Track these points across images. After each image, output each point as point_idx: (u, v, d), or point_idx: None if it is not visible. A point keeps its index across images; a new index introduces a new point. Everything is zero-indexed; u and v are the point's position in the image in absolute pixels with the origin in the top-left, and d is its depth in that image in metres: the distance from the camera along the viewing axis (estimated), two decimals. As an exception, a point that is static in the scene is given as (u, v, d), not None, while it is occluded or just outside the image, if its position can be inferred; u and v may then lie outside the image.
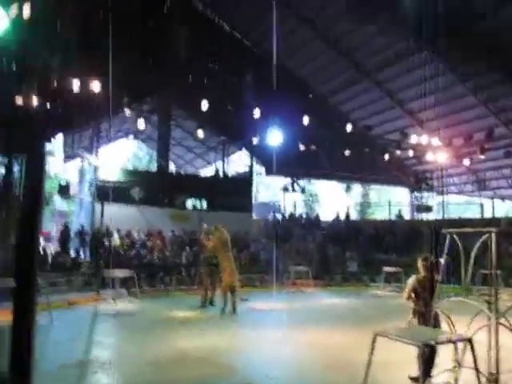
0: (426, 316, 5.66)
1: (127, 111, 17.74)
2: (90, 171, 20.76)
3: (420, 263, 6.00)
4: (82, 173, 22.49)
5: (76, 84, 12.07)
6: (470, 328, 5.42)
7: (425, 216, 25.42)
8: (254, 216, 24.62)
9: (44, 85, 3.47)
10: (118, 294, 11.88)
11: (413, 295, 5.92)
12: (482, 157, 19.91)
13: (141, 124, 18.74)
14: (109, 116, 17.77)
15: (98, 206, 17.61)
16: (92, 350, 7.37)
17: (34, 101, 3.45)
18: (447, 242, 5.46)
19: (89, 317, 10.50)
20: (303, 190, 27.37)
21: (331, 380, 5.85)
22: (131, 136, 28.45)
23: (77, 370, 6.24)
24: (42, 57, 3.47)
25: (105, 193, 16.95)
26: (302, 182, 26.33)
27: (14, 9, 6.48)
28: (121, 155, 33.56)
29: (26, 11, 7.38)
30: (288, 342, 8.23)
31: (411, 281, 6.01)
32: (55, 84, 3.51)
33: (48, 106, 3.43)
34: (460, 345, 4.95)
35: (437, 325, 5.57)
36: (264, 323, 9.45)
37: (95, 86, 12.63)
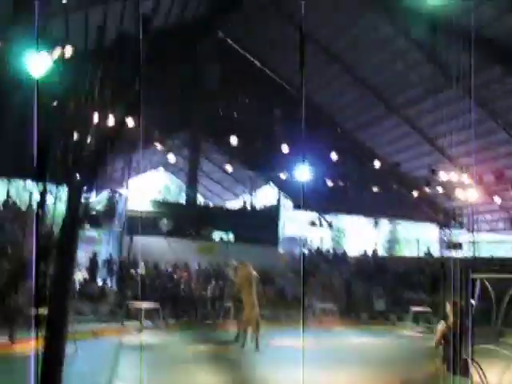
0: (456, 363, 5.48)
1: (158, 145, 18.19)
2: (120, 202, 21.18)
3: (449, 308, 5.85)
4: (113, 203, 22.94)
5: (112, 120, 12.50)
6: (504, 378, 5.22)
7: (454, 254, 24.78)
8: (281, 250, 24.51)
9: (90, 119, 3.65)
10: (143, 326, 11.90)
11: (442, 341, 5.75)
12: (514, 194, 19.50)
13: (171, 157, 19.17)
14: (139, 149, 18.24)
15: (126, 237, 17.89)
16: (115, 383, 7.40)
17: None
18: (478, 286, 5.33)
19: (113, 348, 10.58)
20: (330, 225, 27.19)
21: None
22: (161, 168, 29.00)
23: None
24: (84, 95, 3.67)
25: (134, 223, 17.25)
26: (329, 217, 26.17)
27: (56, 50, 6.86)
28: (152, 187, 34.17)
29: (68, 52, 7.79)
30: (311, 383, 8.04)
31: (440, 327, 5.86)
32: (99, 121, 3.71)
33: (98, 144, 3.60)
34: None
35: (466, 373, 5.38)
36: (287, 363, 9.26)
37: (129, 122, 13.04)
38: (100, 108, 3.63)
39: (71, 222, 3.34)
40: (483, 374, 5.26)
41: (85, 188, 3.48)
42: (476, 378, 5.29)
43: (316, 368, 9.42)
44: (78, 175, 3.40)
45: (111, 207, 22.59)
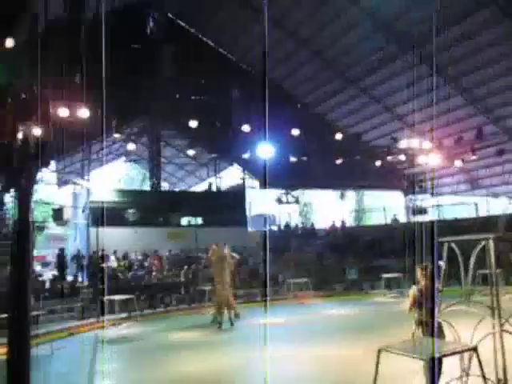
0: (430, 326, 5.63)
1: (116, 134, 17.73)
2: (83, 195, 20.70)
3: (419, 272, 5.97)
4: (75, 197, 22.43)
5: (64, 111, 12.07)
6: (475, 335, 5.41)
7: (420, 218, 25.46)
8: (250, 229, 24.57)
9: (31, 112, 3.46)
10: (118, 319, 11.74)
11: (415, 306, 5.88)
12: (474, 156, 20.05)
13: (131, 145, 18.73)
14: (98, 140, 17.74)
15: (93, 230, 17.52)
16: (95, 381, 7.28)
17: (21, 129, 3.43)
18: (445, 249, 5.45)
19: (90, 345, 10.42)
20: (297, 201, 27.38)
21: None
22: (122, 158, 28.37)
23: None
24: (28, 84, 3.47)
25: (99, 215, 16.91)
26: (295, 193, 26.34)
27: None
28: (113, 177, 33.51)
29: (10, 42, 7.39)
30: (291, 358, 8.16)
31: (412, 291, 5.98)
32: (43, 111, 3.49)
33: (39, 133, 3.41)
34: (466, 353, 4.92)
35: (441, 334, 5.53)
36: (266, 339, 9.36)
37: (83, 113, 12.63)
38: (41, 101, 3.41)
39: (23, 225, 3.18)
40: (456, 333, 5.42)
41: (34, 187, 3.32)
42: (450, 337, 5.45)
43: (293, 342, 9.57)
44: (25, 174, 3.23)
45: (74, 200, 22.11)
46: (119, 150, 25.74)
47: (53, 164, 20.45)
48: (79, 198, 21.67)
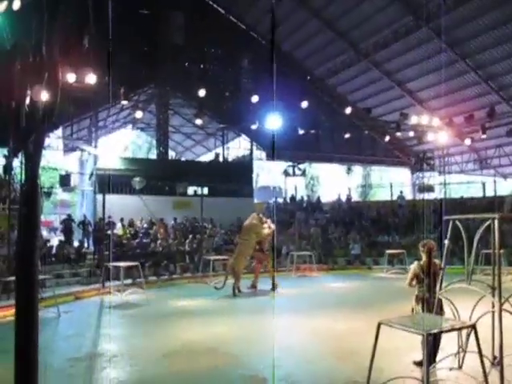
0: (430, 302, 5.68)
1: (124, 101, 17.63)
2: (89, 162, 20.76)
3: (421, 249, 5.99)
4: (82, 164, 22.50)
5: (71, 76, 11.98)
6: (474, 313, 5.47)
7: (427, 196, 25.40)
8: (256, 200, 24.64)
9: (39, 74, 3.42)
10: (123, 285, 11.93)
11: (415, 281, 5.92)
12: (484, 135, 19.79)
13: (139, 113, 18.63)
14: (106, 107, 17.66)
15: (99, 197, 17.64)
16: (100, 344, 7.47)
17: (29, 93, 3.40)
18: (450, 227, 5.46)
19: (95, 309, 10.66)
20: (304, 173, 27.32)
21: (337, 368, 5.91)
22: (130, 126, 28.28)
23: (86, 364, 6.33)
24: (36, 46, 3.43)
25: (106, 183, 16.99)
26: (302, 166, 26.26)
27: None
28: (120, 145, 33.50)
29: (16, 4, 7.28)
30: (293, 329, 8.30)
31: (413, 267, 6.01)
32: (52, 74, 3.45)
33: (46, 98, 3.39)
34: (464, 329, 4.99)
35: (440, 311, 5.60)
36: (268, 310, 9.52)
37: (90, 78, 12.54)
38: (49, 65, 3.37)
39: (31, 187, 3.20)
40: (456, 310, 5.48)
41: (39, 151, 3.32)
42: (449, 314, 5.51)
43: (295, 313, 9.72)
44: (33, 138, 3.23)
45: (81, 167, 22.20)
46: (127, 118, 25.65)
47: (60, 130, 20.44)
48: (86, 165, 21.74)
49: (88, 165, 21.18)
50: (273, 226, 13.29)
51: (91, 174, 20.04)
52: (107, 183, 17.07)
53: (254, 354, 6.67)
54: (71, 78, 11.83)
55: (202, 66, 22.25)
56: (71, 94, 12.03)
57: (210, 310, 10.36)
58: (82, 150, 21.64)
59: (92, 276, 14.60)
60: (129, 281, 13.44)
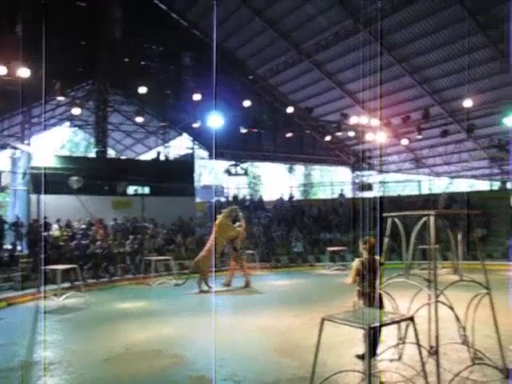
0: (370, 297, 5.85)
1: (60, 97, 16.89)
2: (22, 160, 19.73)
3: (361, 246, 6.16)
4: (14, 162, 21.33)
5: (2, 69, 11.34)
6: (412, 305, 5.70)
7: (366, 194, 26.25)
8: (198, 200, 24.44)
9: None
10: (61, 289, 11.44)
11: (357, 278, 6.08)
12: (419, 136, 20.72)
13: (76, 110, 17.96)
14: (40, 102, 16.86)
15: (34, 197, 16.81)
16: (36, 351, 7.10)
17: None
18: (388, 223, 5.64)
19: (30, 315, 10.12)
20: (246, 173, 27.40)
21: (282, 364, 5.96)
22: (66, 123, 27.11)
23: (20, 374, 5.98)
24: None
25: (41, 182, 16.21)
26: (244, 165, 26.33)
27: None
28: (56, 142, 32.13)
29: None
30: (238, 327, 8.29)
31: (355, 264, 6.17)
32: None
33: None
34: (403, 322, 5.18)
35: (381, 305, 5.77)
36: (212, 309, 9.46)
37: (23, 71, 11.90)
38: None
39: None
40: (395, 303, 5.68)
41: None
42: (389, 307, 5.71)
43: (239, 311, 9.72)
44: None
45: (13, 165, 21.05)
46: (63, 115, 24.60)
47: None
48: (18, 164, 20.64)
49: (21, 163, 20.12)
50: (243, 225, 13.71)
51: (24, 173, 19.06)
52: (42, 183, 16.28)
53: (199, 354, 6.59)
54: (1, 70, 11.19)
55: (142, 63, 21.75)
56: (1, 88, 11.38)
57: (154, 312, 10.14)
58: (14, 148, 20.51)
59: (26, 280, 13.86)
60: (67, 284, 12.92)
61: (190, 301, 11.62)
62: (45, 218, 16.45)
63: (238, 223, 13.88)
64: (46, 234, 16.27)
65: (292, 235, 20.79)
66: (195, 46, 22.65)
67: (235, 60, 24.14)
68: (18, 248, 16.59)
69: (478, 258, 6.26)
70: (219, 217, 13.74)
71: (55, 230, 17.28)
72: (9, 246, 16.09)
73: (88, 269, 15.32)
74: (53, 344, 7.42)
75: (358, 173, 29.06)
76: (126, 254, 17.19)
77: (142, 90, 17.77)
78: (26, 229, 17.03)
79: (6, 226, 17.34)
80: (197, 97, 18.74)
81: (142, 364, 6.22)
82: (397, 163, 28.27)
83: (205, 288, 12.85)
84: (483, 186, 27.74)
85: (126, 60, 21.17)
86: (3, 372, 6.02)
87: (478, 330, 5.64)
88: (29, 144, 17.67)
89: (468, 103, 18.52)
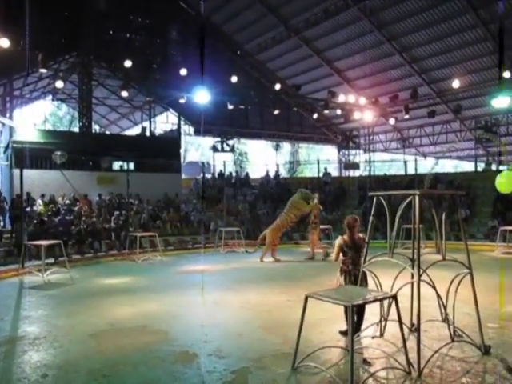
0: (354, 274, 5.92)
1: (43, 70, 16.47)
2: (4, 134, 19.35)
3: (345, 224, 6.19)
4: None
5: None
6: (395, 284, 5.78)
7: (352, 173, 26.38)
8: (184, 176, 24.34)
9: None
10: (45, 265, 11.36)
11: (341, 255, 6.13)
12: (407, 116, 20.75)
13: (59, 83, 17.57)
14: (22, 74, 16.43)
15: (16, 172, 16.54)
16: (20, 326, 7.08)
17: None
18: (374, 202, 5.67)
19: (14, 291, 10.06)
20: (232, 149, 27.28)
21: (266, 341, 6.03)
22: (49, 96, 26.56)
23: (5, 349, 5.97)
24: None
25: (24, 157, 15.94)
26: (231, 142, 26.18)
27: None
28: (38, 116, 31.47)
29: None
30: (223, 304, 8.35)
31: (337, 242, 6.21)
32: None
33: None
34: (386, 300, 5.26)
35: (364, 283, 5.85)
36: (198, 286, 9.50)
37: (3, 42, 11.51)
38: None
39: None
40: (378, 282, 5.76)
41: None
42: (372, 285, 5.78)
43: (224, 289, 9.79)
44: None
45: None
46: (46, 88, 24.10)
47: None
48: (0, 138, 20.26)
49: (3, 137, 19.75)
50: (316, 201, 14.58)
51: (6, 147, 18.71)
52: (25, 157, 16.01)
53: (183, 331, 6.63)
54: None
55: (128, 36, 21.27)
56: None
57: (139, 288, 10.15)
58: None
59: (9, 256, 13.76)
60: (51, 260, 12.85)
61: (176, 277, 11.65)
62: (28, 193, 16.23)
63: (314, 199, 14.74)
64: (29, 209, 16.09)
65: (278, 213, 20.80)
66: (182, 20, 22.19)
67: (223, 34, 23.76)
68: (1, 224, 16.41)
69: (460, 238, 6.34)
70: (294, 196, 14.98)
71: (39, 206, 17.10)
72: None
73: (72, 244, 15.26)
74: (38, 319, 7.40)
75: (345, 151, 29.12)
76: (110, 230, 17.13)
77: (128, 63, 17.42)
78: (8, 204, 16.83)
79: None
80: (183, 71, 18.44)
81: (126, 339, 6.24)
82: (384, 142, 28.36)
83: (270, 259, 14.23)
84: (468, 167, 28.03)
85: (111, 32, 20.67)
86: (-13, 347, 6.00)
87: (458, 309, 5.75)
88: (10, 117, 17.28)
89: (456, 84, 18.54)
